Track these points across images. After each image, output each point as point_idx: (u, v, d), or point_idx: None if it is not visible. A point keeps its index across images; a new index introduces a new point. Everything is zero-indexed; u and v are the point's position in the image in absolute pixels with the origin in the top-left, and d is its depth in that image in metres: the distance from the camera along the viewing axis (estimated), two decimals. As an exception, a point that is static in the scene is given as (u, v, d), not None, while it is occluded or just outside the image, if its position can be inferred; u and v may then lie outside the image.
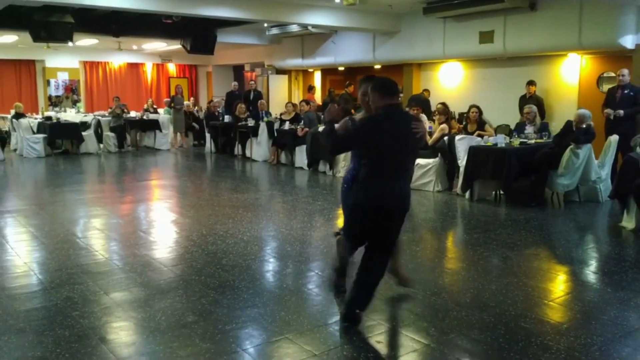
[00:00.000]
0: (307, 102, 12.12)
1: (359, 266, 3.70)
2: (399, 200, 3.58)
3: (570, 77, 10.84)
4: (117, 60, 19.38)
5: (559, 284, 4.63)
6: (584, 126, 7.28)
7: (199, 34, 13.51)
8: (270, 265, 5.05)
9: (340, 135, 3.56)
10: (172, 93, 16.72)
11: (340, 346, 3.37)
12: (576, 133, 7.26)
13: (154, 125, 14.73)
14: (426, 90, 12.80)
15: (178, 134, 15.12)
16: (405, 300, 4.13)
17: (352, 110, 4.54)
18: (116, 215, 7.06)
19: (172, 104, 15.01)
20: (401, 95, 13.54)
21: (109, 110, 14.74)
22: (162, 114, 16.00)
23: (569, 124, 7.53)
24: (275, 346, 3.36)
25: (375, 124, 3.50)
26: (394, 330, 3.63)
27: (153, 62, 20.20)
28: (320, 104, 14.55)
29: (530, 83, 10.57)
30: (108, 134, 14.03)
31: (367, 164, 3.56)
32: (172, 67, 20.89)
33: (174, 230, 6.31)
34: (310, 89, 15.80)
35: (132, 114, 15.37)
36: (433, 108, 10.74)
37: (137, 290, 4.31)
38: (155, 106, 16.92)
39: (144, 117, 14.95)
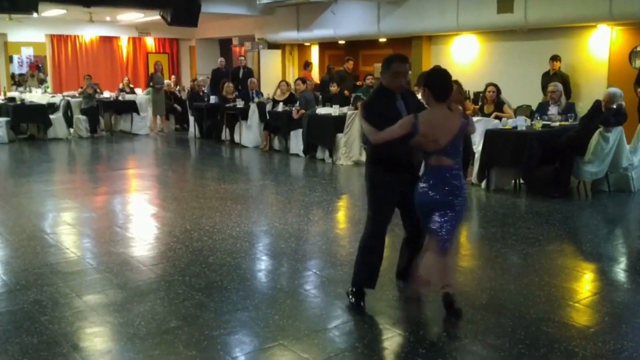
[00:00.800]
0: (303, 80, 12.10)
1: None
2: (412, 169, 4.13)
3: (599, 51, 10.82)
4: (88, 33, 19.28)
5: (585, 284, 4.66)
6: (614, 106, 7.27)
7: (180, 3, 13.41)
8: (263, 264, 5.06)
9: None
10: (151, 71, 16.67)
11: (341, 353, 3.39)
12: (605, 114, 7.26)
13: (131, 107, 14.70)
14: (437, 66, 12.74)
15: (158, 117, 15.09)
16: (414, 302, 4.15)
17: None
18: (89, 209, 7.06)
19: (151, 83, 14.97)
20: (409, 72, 13.52)
21: (80, 90, 14.68)
22: (140, 95, 15.95)
23: (597, 104, 7.52)
24: (269, 354, 3.38)
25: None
26: (401, 335, 3.64)
27: (129, 36, 20.11)
28: (318, 82, 14.54)
29: (554, 58, 10.56)
30: (79, 117, 14.00)
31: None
32: (150, 41, 20.79)
33: (154, 225, 6.31)
34: (307, 65, 15.73)
35: (106, 94, 15.33)
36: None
37: (113, 292, 4.31)
38: (131, 85, 16.86)
39: (119, 98, 14.91)
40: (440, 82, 3.82)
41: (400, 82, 3.96)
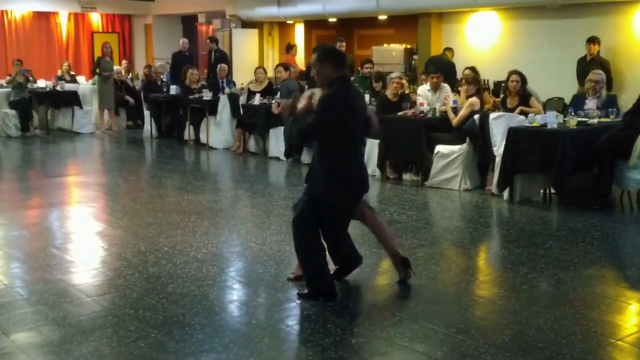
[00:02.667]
0: (285, 66, 12.10)
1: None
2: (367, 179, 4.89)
3: (646, 32, 10.94)
4: (18, 8, 19.22)
5: (630, 317, 4.68)
6: (665, 100, 7.34)
7: (133, -28, 13.44)
8: (235, 294, 5.04)
9: (311, 121, 4.59)
10: (98, 54, 16.62)
11: (332, 404, 3.39)
12: (654, 109, 7.34)
13: (72, 100, 14.63)
14: (449, 49, 12.85)
15: (105, 111, 15.04)
16: (422, 340, 4.15)
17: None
18: (19, 226, 7.00)
19: (97, 70, 14.92)
20: (415, 57, 13.64)
21: (8, 78, 14.60)
22: (83, 84, 15.87)
23: (644, 97, 7.59)
24: (242, 405, 3.37)
25: (343, 100, 4.61)
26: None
27: (69, 11, 20.06)
28: (304, 69, 14.56)
29: (592, 40, 10.64)
30: (7, 112, 13.92)
31: (336, 147, 4.62)
32: (96, 18, 20.74)
33: (100, 245, 6.27)
34: (290, 48, 15.74)
35: (41, 83, 15.24)
36: (459, 75, 10.79)
37: (48, 329, 4.28)
38: (73, 73, 16.77)
39: (58, 88, 14.84)
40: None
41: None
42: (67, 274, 5.38)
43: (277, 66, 12.62)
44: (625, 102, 8.67)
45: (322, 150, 4.71)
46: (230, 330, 4.33)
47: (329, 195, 4.70)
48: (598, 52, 10.64)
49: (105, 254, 5.99)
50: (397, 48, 14.31)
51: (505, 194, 7.86)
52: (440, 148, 8.57)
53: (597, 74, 8.52)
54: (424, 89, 9.71)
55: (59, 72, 16.37)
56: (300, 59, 15.98)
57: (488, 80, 11.64)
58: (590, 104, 8.35)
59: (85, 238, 6.54)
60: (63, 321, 4.38)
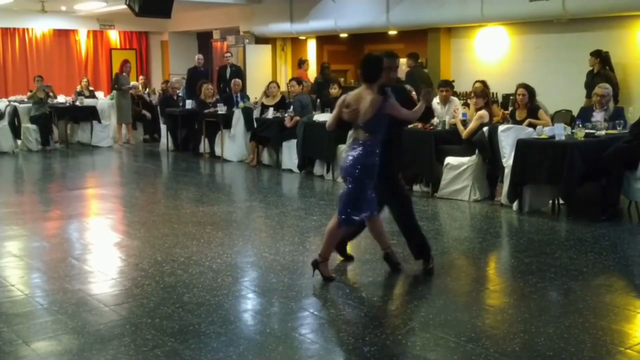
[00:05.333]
0: (298, 81, 12.14)
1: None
2: None
3: (652, 45, 10.90)
4: (40, 26, 19.38)
5: (639, 326, 4.64)
6: (672, 112, 7.31)
7: (150, -10, 13.52)
8: (249, 303, 5.05)
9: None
10: (116, 70, 16.72)
11: (344, 412, 3.37)
12: (661, 121, 7.31)
13: (91, 115, 14.73)
14: (412, 55, 12.65)
15: (123, 125, 15.12)
16: (433, 349, 4.14)
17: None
18: (39, 237, 7.04)
19: (116, 86, 15.02)
20: (425, 71, 13.63)
21: (29, 94, 14.73)
22: (102, 99, 15.96)
23: (651, 108, 7.56)
24: (256, 413, 3.37)
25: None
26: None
27: (89, 29, 20.21)
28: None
29: (593, 54, 10.55)
30: (28, 127, 14.02)
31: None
32: (114, 36, 20.89)
33: (117, 256, 6.30)
34: (302, 63, 15.80)
35: (61, 99, 15.35)
36: (465, 88, 10.76)
37: (67, 338, 4.29)
38: (92, 88, 16.88)
39: (77, 103, 14.95)
40: (369, 66, 5.29)
41: (390, 76, 5.45)
42: (86, 284, 5.41)
43: (290, 80, 12.65)
44: (632, 114, 8.62)
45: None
46: (245, 339, 4.33)
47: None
48: (604, 66, 10.58)
49: (123, 264, 6.01)
50: (407, 62, 14.31)
51: (515, 204, 7.83)
52: (450, 160, 8.56)
53: (603, 88, 8.49)
54: (433, 102, 9.70)
55: (78, 88, 16.47)
56: (312, 74, 16.01)
57: (497, 93, 11.62)
58: (598, 116, 8.32)
59: (103, 249, 6.56)
60: (82, 330, 4.40)
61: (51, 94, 14.87)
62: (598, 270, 5.75)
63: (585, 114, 8.49)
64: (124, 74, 15.11)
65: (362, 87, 5.29)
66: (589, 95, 10.01)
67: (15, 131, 13.81)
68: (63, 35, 20.00)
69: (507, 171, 7.86)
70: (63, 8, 17.97)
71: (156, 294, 5.08)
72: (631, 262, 6.18)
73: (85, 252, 6.49)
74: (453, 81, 11.04)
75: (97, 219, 8.05)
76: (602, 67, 10.54)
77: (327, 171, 10.31)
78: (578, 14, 11.01)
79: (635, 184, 7.35)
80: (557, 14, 11.13)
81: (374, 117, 5.18)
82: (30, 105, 14.19)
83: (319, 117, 10.71)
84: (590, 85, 10.16)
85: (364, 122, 5.20)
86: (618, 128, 8.03)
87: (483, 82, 9.32)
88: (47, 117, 14.17)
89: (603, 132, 7.94)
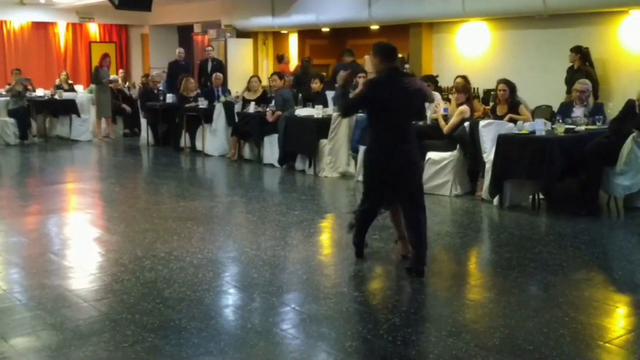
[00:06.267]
0: (280, 75, 12.12)
1: (409, 227, 5.47)
2: (403, 155, 5.35)
3: (632, 42, 10.97)
4: (17, 18, 19.17)
5: (618, 320, 4.69)
6: (651, 107, 7.37)
7: (130, -17, 13.43)
8: (230, 298, 5.04)
9: (352, 98, 5.88)
10: (95, 64, 16.59)
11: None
12: (640, 117, 7.37)
13: (70, 108, 14.61)
14: (349, 51, 12.59)
15: (103, 119, 15.02)
16: (413, 343, 4.16)
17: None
18: (17, 232, 6.98)
19: (96, 79, 14.91)
20: (407, 66, 13.66)
21: (7, 87, 14.59)
22: (81, 93, 15.83)
23: (630, 104, 7.61)
24: (237, 408, 3.36)
25: (380, 84, 5.37)
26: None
27: (68, 22, 20.04)
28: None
29: (573, 50, 10.63)
30: (6, 120, 13.89)
31: (374, 125, 5.52)
32: (94, 29, 20.72)
33: (97, 251, 6.26)
34: (281, 58, 15.78)
35: (39, 92, 15.20)
36: (447, 83, 10.80)
37: (46, 334, 4.27)
38: (71, 82, 16.74)
39: (56, 97, 14.82)
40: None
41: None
42: (65, 279, 5.37)
43: (272, 75, 12.61)
44: (612, 110, 8.68)
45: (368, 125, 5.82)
46: (226, 334, 4.32)
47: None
48: (584, 62, 10.65)
49: (103, 259, 5.97)
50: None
51: (495, 199, 7.87)
52: (431, 155, 8.58)
53: (583, 84, 8.56)
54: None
55: (57, 81, 16.33)
56: (293, 68, 15.99)
57: (478, 89, 11.67)
58: (578, 112, 8.37)
59: (82, 244, 6.52)
60: (61, 326, 4.37)
61: (30, 87, 14.75)
62: (578, 264, 5.80)
63: (565, 110, 8.55)
64: (103, 67, 15.01)
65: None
66: (569, 91, 10.07)
67: (-7, 125, 13.69)
68: (42, 28, 19.82)
69: (488, 166, 7.90)
70: (42, 0, 17.80)
71: (136, 290, 5.05)
72: (610, 256, 6.24)
73: (64, 247, 6.45)
74: (437, 76, 11.08)
75: (76, 214, 7.99)
76: (582, 63, 10.62)
77: (309, 166, 10.30)
78: (559, 10, 11.07)
79: (615, 179, 7.41)
80: (538, 9, 11.19)
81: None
82: (8, 98, 14.04)
83: (301, 111, 10.71)
84: (570, 81, 10.23)
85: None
86: (598, 123, 8.09)
87: (464, 78, 9.34)
88: (25, 110, 14.03)
89: (583, 128, 8.00)
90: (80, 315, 4.59)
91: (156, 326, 4.35)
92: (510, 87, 8.65)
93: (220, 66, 14.73)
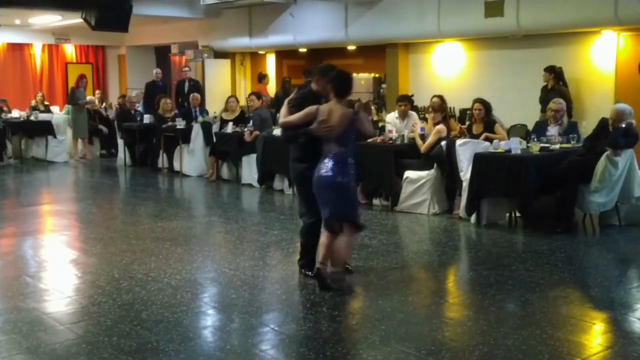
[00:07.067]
0: (258, 95, 12.13)
1: None
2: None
3: (604, 61, 11.14)
4: (-7, 39, 19.07)
5: (595, 336, 4.72)
6: (624, 125, 7.47)
7: (107, 3, 13.40)
8: (209, 320, 5.01)
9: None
10: (72, 85, 16.51)
11: None
12: (613, 135, 7.45)
13: (46, 129, 14.50)
14: (309, 72, 12.72)
15: (79, 140, 14.93)
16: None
17: None
18: (-8, 255, 6.90)
19: (72, 100, 14.83)
20: (383, 86, 13.75)
21: (-18, 108, 14.46)
22: (57, 114, 15.73)
23: (603, 123, 7.72)
24: None
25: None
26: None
27: (44, 43, 19.94)
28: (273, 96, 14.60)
29: (546, 70, 10.79)
30: (-19, 142, 13.75)
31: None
32: (70, 50, 20.64)
33: (73, 273, 6.20)
34: (262, 78, 15.81)
35: (15, 113, 15.10)
36: (423, 103, 10.89)
37: (22, 358, 4.21)
38: (47, 103, 16.64)
39: (32, 118, 14.70)
40: (343, 82, 5.56)
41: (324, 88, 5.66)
42: (40, 302, 5.30)
43: (249, 95, 12.65)
44: (586, 129, 8.80)
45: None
46: (205, 356, 4.28)
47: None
48: (557, 81, 10.80)
49: (79, 281, 5.91)
50: (366, 77, 14.43)
51: (473, 217, 7.92)
52: (409, 174, 8.63)
53: (557, 103, 8.67)
54: (392, 117, 9.82)
55: (33, 102, 16.24)
56: (271, 89, 16.03)
57: (454, 108, 11.77)
58: (552, 130, 8.47)
59: (58, 266, 6.45)
60: (37, 350, 4.31)
61: (5, 108, 14.64)
62: (554, 282, 5.84)
63: (540, 128, 8.65)
64: (80, 88, 14.95)
65: (333, 101, 5.49)
66: (543, 110, 10.20)
67: (-33, 147, 13.54)
68: (17, 49, 19.71)
69: (465, 185, 7.96)
70: (17, 22, 17.70)
71: (113, 312, 5.00)
72: (586, 273, 6.29)
73: (40, 269, 6.37)
74: (412, 95, 11.17)
75: (53, 236, 7.91)
76: (556, 83, 10.78)
77: (289, 186, 10.29)
78: (532, 31, 11.23)
79: (589, 197, 7.48)
80: (512, 30, 11.34)
81: (346, 131, 5.47)
82: (-17, 120, 13.92)
83: (279, 131, 10.69)
84: (544, 100, 10.36)
85: (337, 136, 5.45)
86: (572, 142, 8.20)
87: (440, 97, 9.43)
88: (1, 132, 13.91)
89: (557, 146, 8.09)
90: (56, 338, 4.53)
91: (134, 349, 4.31)
92: (486, 106, 8.76)
93: (198, 86, 14.74)
